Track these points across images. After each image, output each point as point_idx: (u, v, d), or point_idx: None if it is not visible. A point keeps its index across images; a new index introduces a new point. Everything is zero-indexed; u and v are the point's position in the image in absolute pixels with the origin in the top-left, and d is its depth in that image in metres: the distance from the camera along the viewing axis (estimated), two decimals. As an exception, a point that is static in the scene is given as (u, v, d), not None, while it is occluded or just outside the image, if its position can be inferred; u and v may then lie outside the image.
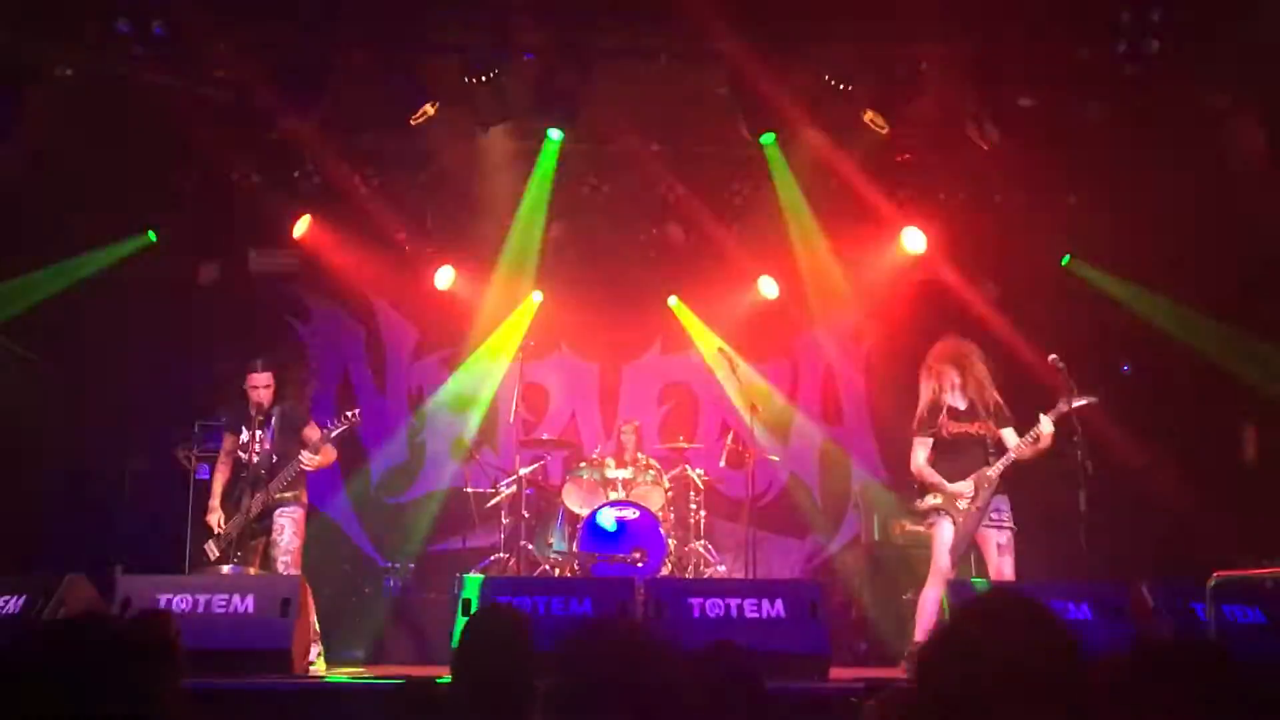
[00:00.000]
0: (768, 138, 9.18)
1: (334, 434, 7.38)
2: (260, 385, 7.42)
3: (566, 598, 6.46)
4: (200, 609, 6.21)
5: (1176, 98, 8.20)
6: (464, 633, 3.49)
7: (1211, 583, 6.03)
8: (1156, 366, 9.30)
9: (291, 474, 7.27)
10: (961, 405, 7.21)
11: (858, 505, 10.78)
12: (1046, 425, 6.96)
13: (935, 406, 7.24)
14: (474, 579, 6.60)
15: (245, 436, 7.42)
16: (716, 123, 9.13)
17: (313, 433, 7.46)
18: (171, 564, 8.07)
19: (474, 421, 11.01)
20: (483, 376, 11.11)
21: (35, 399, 8.92)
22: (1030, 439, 7.02)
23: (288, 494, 7.32)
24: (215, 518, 7.39)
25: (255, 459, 7.33)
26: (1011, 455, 7.03)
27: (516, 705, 3.14)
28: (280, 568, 7.16)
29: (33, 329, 8.83)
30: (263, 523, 7.29)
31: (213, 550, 7.32)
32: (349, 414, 7.41)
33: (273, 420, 7.42)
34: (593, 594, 6.50)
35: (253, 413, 7.40)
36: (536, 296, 11.00)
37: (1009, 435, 7.15)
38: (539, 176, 9.81)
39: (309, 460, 7.27)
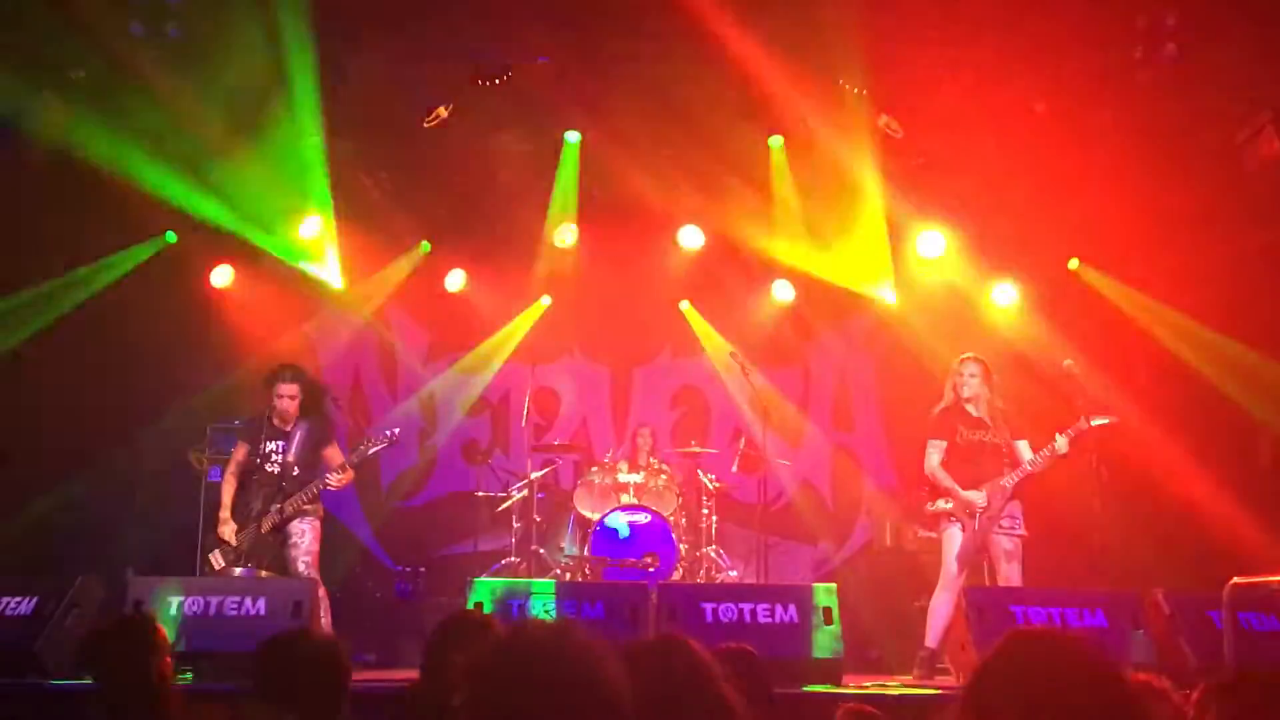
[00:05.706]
0: (775, 140, 9.28)
1: (371, 451, 7.26)
2: (287, 395, 7.27)
3: (579, 602, 6.44)
4: (212, 611, 6.18)
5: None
6: None
7: (1228, 589, 5.97)
8: (1172, 372, 9.22)
9: (315, 489, 7.13)
10: (978, 413, 7.17)
11: (869, 511, 10.75)
12: (1062, 445, 6.89)
13: (952, 410, 7.20)
14: (484, 583, 6.58)
15: (268, 446, 7.25)
16: (729, 125, 9.10)
17: (333, 453, 7.33)
18: (183, 566, 8.06)
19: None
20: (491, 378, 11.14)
21: (45, 401, 8.93)
22: (1046, 455, 6.95)
23: (308, 506, 7.17)
24: (228, 530, 7.13)
25: (276, 469, 7.22)
26: (1026, 468, 6.98)
27: None
28: (301, 568, 7.02)
29: (45, 331, 8.85)
30: (279, 534, 7.13)
31: (217, 560, 7.08)
32: (389, 432, 7.29)
33: (297, 433, 7.29)
34: (605, 598, 6.47)
35: (276, 422, 7.28)
36: (545, 300, 10.99)
37: (1023, 448, 7.10)
38: (560, 180, 9.81)
39: (335, 480, 7.13)
